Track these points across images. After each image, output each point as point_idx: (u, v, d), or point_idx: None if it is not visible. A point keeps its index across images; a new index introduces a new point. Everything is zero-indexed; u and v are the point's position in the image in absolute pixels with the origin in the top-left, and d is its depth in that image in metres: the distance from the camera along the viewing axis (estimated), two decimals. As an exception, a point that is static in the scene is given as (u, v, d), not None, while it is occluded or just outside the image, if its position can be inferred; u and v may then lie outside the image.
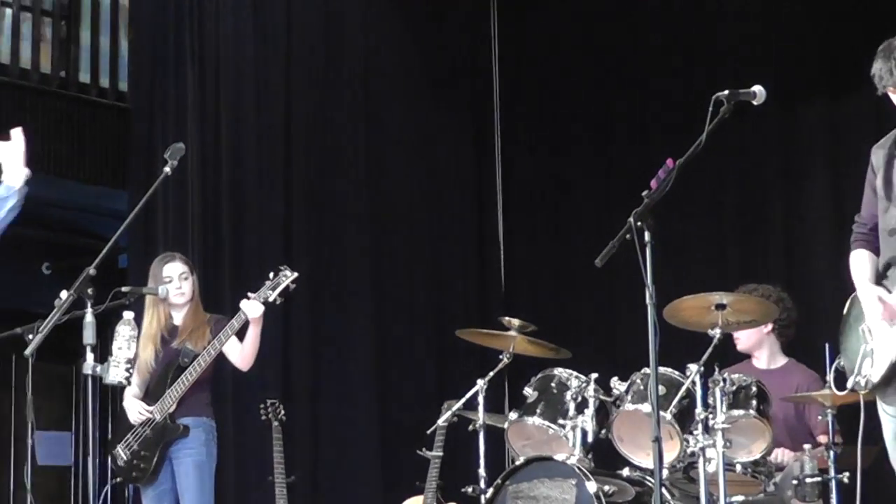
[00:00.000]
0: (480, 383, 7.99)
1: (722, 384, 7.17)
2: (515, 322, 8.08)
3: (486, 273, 11.81)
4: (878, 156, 6.21)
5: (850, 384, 6.04)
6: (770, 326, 8.15)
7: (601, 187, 10.56)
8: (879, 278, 6.03)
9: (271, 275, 7.84)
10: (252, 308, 7.76)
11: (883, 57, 6.13)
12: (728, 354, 7.85)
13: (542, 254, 11.44)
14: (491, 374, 8.05)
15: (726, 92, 6.09)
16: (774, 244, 10.28)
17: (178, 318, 8.09)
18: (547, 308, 10.64)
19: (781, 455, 7.71)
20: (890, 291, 5.89)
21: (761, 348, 8.31)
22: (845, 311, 6.22)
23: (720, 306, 7.23)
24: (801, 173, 10.49)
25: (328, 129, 10.91)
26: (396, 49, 11.37)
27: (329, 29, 11.01)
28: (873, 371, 5.90)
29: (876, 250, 6.17)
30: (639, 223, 6.04)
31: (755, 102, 6.16)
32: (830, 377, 6.75)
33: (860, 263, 6.15)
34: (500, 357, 8.08)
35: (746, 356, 8.35)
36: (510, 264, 11.88)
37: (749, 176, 10.72)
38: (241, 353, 7.89)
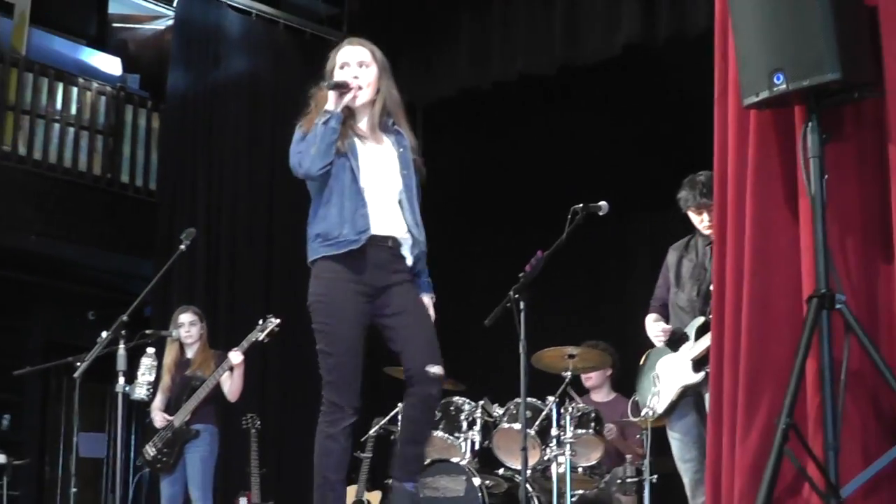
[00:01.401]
0: (400, 405, 7.99)
1: (571, 411, 7.22)
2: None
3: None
4: (672, 255, 6.47)
5: (641, 414, 6.25)
6: (609, 371, 8.24)
7: (491, 265, 10.54)
8: (668, 340, 6.27)
9: (260, 321, 7.94)
10: (234, 356, 7.85)
11: (688, 186, 6.32)
12: (576, 389, 7.88)
13: (448, 312, 11.41)
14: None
15: (580, 205, 6.19)
16: (609, 313, 10.32)
17: (190, 352, 8.16)
18: (449, 353, 10.61)
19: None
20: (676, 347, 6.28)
21: (601, 386, 8.37)
22: (641, 362, 6.47)
23: (571, 356, 7.29)
24: (630, 264, 10.57)
25: (299, 217, 10.85)
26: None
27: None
28: (658, 405, 6.11)
29: (664, 319, 6.46)
30: (516, 296, 6.12)
31: (600, 213, 6.25)
32: (629, 407, 6.89)
33: (651, 320, 6.51)
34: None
35: (587, 391, 8.41)
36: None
37: (595, 264, 10.77)
38: (230, 388, 7.93)
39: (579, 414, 7.28)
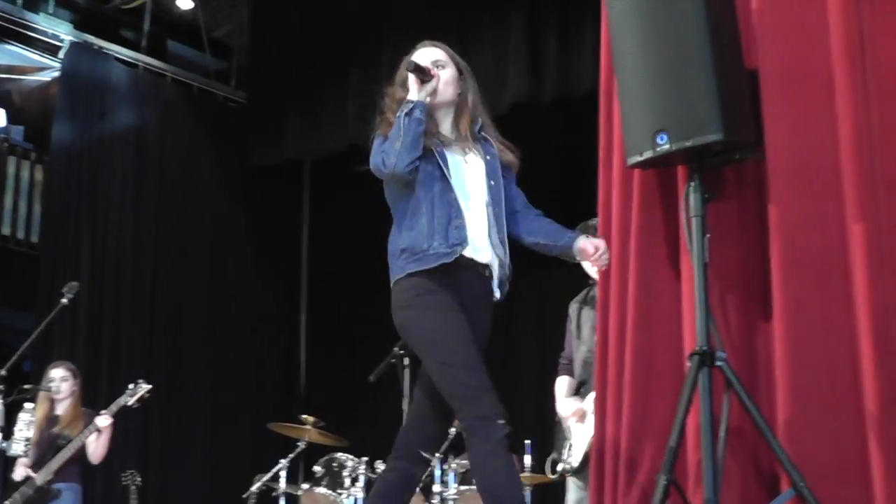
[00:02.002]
0: (283, 462, 7.93)
1: (454, 467, 7.19)
2: (310, 419, 8.05)
3: (291, 382, 11.75)
4: (573, 308, 6.43)
5: (559, 469, 6.22)
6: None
7: (377, 321, 10.48)
8: (576, 392, 6.20)
9: (131, 385, 7.71)
10: (101, 420, 7.62)
11: (581, 233, 6.35)
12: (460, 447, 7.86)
13: (332, 368, 11.37)
14: (291, 455, 8.00)
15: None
16: (496, 368, 10.30)
17: (60, 409, 7.89)
18: (334, 409, 10.56)
19: None
20: (582, 398, 6.09)
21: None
22: (556, 419, 6.41)
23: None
24: (517, 320, 10.59)
25: (184, 273, 10.79)
26: (234, 215, 11.25)
27: (189, 198, 10.92)
28: (573, 458, 6.07)
29: (573, 374, 6.38)
30: (401, 351, 6.11)
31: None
32: (547, 466, 6.90)
33: (561, 386, 6.34)
34: (298, 444, 8.05)
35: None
36: (310, 379, 11.82)
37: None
38: (94, 450, 7.72)
39: (463, 471, 7.26)
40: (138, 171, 10.69)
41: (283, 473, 7.93)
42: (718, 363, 4.14)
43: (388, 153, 4.37)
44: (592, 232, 6.23)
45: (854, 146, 4.39)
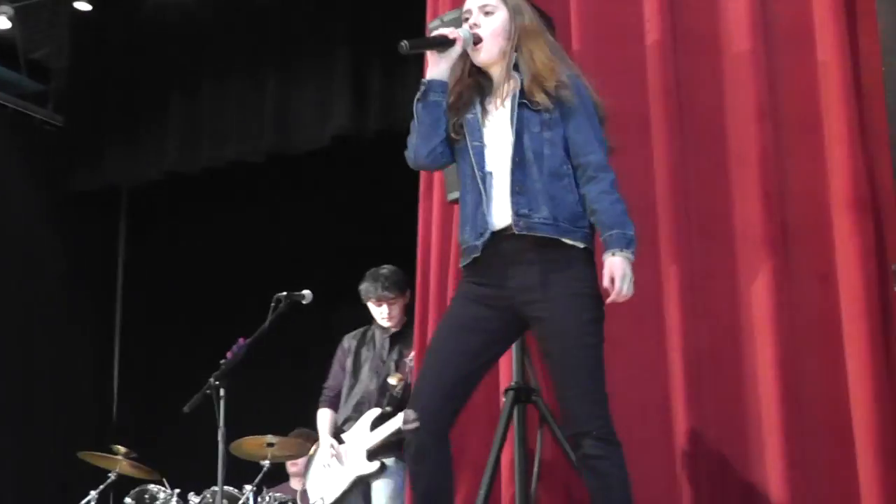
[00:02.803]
0: (93, 493, 7.74)
1: (268, 500, 7.11)
2: (122, 449, 7.88)
3: (103, 412, 11.51)
4: (349, 343, 6.64)
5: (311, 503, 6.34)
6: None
7: (194, 353, 10.34)
8: (339, 431, 6.40)
9: None
10: None
11: (370, 279, 6.57)
12: (275, 478, 7.79)
13: (145, 398, 11.17)
14: (101, 486, 7.81)
15: (284, 293, 6.18)
16: (313, 402, 10.27)
17: None
18: (147, 440, 10.36)
19: None
20: (343, 441, 6.44)
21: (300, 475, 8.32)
22: (311, 451, 6.57)
23: (270, 444, 7.19)
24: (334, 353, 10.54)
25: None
26: (48, 241, 10.97)
27: (1, 221, 10.64)
28: (329, 494, 6.23)
29: (337, 409, 6.58)
30: (216, 382, 6.03)
31: (304, 302, 6.26)
32: (298, 497, 6.97)
33: (323, 419, 6.66)
34: (109, 475, 7.87)
35: (287, 478, 8.32)
36: (122, 409, 11.60)
37: (300, 353, 10.71)
38: None
39: (276, 503, 7.18)
40: (-53, 191, 10.37)
41: (92, 505, 7.75)
42: (533, 398, 4.17)
43: (409, 144, 4.07)
44: (382, 282, 6.53)
45: (669, 188, 4.49)
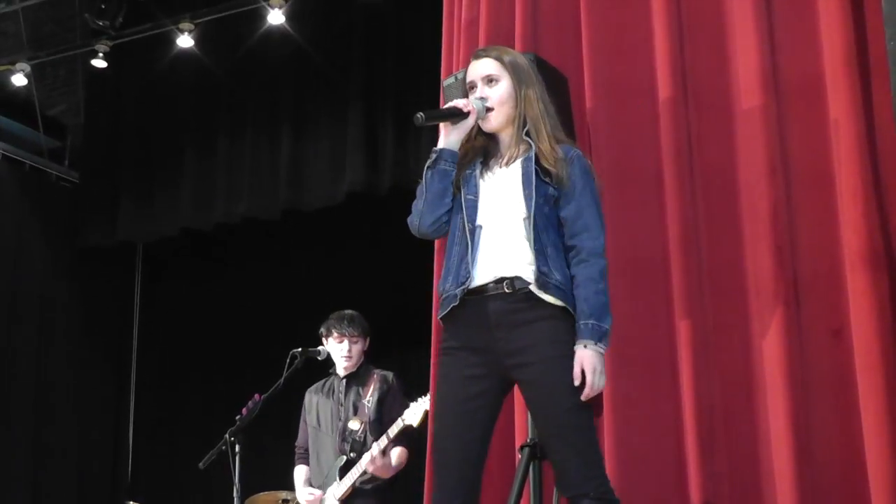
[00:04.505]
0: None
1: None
2: (135, 504, 7.92)
3: (118, 468, 11.49)
4: (310, 398, 6.69)
5: None
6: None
7: (210, 409, 10.33)
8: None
9: None
10: None
11: (334, 318, 6.64)
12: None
13: (161, 454, 11.15)
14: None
15: (299, 349, 6.21)
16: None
17: None
18: (162, 494, 10.34)
19: None
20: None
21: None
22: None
23: (285, 500, 7.20)
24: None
25: (9, 353, 10.51)
26: (64, 297, 11.00)
27: (17, 278, 10.65)
28: None
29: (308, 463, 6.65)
30: (232, 438, 6.05)
31: (319, 358, 6.31)
32: None
33: (297, 476, 6.68)
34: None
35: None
36: (137, 465, 11.57)
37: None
38: None
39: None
40: (-38, 247, 10.42)
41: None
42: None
43: (414, 210, 4.05)
44: (347, 320, 6.50)
45: (681, 243, 4.50)
